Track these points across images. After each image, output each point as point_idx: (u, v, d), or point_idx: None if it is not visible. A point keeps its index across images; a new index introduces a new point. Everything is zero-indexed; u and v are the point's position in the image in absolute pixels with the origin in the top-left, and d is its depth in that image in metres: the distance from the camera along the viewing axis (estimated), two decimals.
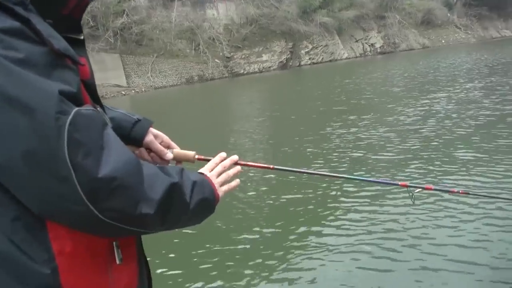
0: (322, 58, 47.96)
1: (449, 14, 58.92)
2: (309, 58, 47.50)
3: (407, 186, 2.03)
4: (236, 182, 1.47)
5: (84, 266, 1.06)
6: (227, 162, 1.48)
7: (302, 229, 5.22)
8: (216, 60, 43.25)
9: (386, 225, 4.93)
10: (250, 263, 4.54)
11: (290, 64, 46.36)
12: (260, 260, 4.57)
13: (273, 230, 5.34)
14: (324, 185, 6.38)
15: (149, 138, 1.52)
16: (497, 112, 10.32)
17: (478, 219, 4.75)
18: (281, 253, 4.67)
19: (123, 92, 36.93)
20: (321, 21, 47.62)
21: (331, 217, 5.44)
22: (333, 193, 6.21)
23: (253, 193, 6.70)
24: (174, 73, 41.52)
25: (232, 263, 4.61)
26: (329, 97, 18.01)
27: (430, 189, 2.20)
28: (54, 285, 1.01)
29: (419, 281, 3.78)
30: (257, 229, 5.38)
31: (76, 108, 0.98)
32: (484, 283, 3.63)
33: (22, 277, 1.00)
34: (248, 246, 4.98)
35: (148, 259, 1.35)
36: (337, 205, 5.81)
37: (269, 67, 44.92)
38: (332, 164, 7.77)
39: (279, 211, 5.93)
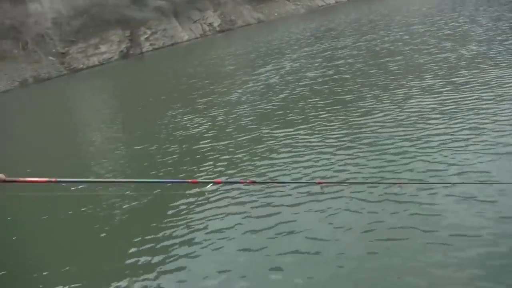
0: (163, 43, 47.27)
1: None
2: (150, 44, 46.50)
3: (197, 182, 2.09)
4: None
5: None
6: None
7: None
8: (50, 58, 40.28)
9: (176, 221, 4.83)
10: None
11: (132, 52, 44.95)
12: None
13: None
14: (113, 192, 5.96)
15: None
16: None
17: (263, 205, 4.83)
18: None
19: None
20: (155, 5, 46.81)
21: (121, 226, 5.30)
22: (123, 200, 5.84)
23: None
24: (3, 77, 37.77)
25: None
26: (168, 86, 17.85)
27: (219, 182, 2.27)
28: None
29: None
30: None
31: None
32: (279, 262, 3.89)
33: None
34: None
35: None
36: (129, 212, 5.56)
37: (110, 58, 43.13)
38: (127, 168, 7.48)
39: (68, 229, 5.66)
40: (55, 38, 41.04)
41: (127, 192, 5.82)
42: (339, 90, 9.50)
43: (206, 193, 1.70)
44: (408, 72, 9.61)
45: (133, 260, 4.40)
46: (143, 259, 4.38)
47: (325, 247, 3.95)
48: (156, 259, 4.33)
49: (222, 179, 1.97)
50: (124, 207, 5.65)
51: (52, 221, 5.91)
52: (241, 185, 4.90)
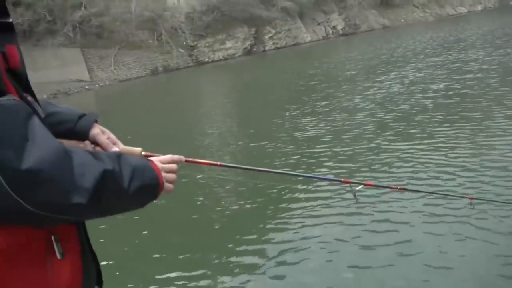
0: (286, 43, 48.17)
1: None
2: (273, 43, 47.64)
3: (349, 183, 2.12)
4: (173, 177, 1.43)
5: (19, 263, 1.02)
6: (176, 157, 1.47)
7: (244, 226, 5.35)
8: (180, 50, 42.93)
9: (330, 223, 4.96)
10: (207, 263, 4.59)
11: (255, 50, 46.40)
12: (216, 261, 4.62)
13: (218, 228, 5.44)
14: (265, 182, 6.06)
15: (95, 131, 1.49)
16: (443, 100, 10.33)
17: (415, 213, 4.80)
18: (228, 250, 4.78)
19: (87, 87, 36.35)
20: (282, 5, 47.77)
21: (275, 215, 5.51)
22: (275, 190, 6.11)
23: (200, 191, 6.69)
24: (138, 65, 41.03)
25: (188, 261, 4.70)
26: (287, 86, 18.27)
27: (370, 185, 2.30)
28: None
29: (363, 279, 3.84)
30: (205, 228, 5.49)
31: None
32: (430, 275, 3.73)
33: None
34: (202, 245, 5.05)
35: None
36: (281, 203, 5.81)
37: (234, 54, 44.88)
38: (276, 160, 7.70)
39: (222, 209, 5.96)
40: (187, 32, 43.67)
41: (272, 183, 6.05)
42: (465, 106, 9.16)
43: (349, 194, 1.77)
44: None
45: (236, 257, 4.57)
46: (248, 258, 4.51)
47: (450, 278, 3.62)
48: (260, 259, 4.44)
49: (374, 182, 2.03)
50: (270, 196, 5.97)
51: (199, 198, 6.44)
52: (390, 191, 4.92)
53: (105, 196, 1.08)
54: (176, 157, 1.47)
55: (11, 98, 0.99)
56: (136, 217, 5.70)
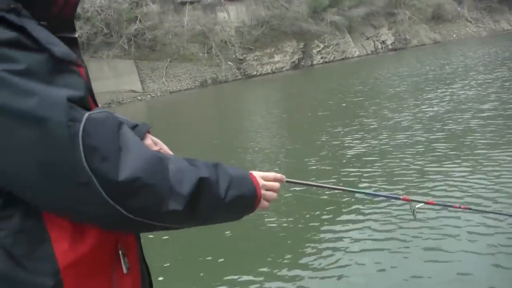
0: (334, 57, 48.15)
1: (459, 8, 58.63)
2: (321, 57, 47.73)
3: (409, 200, 2.02)
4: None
5: (88, 277, 1.02)
6: (279, 176, 1.47)
7: (299, 241, 5.41)
8: (229, 63, 43.78)
9: (388, 241, 5.03)
10: (259, 271, 4.75)
11: (303, 64, 46.63)
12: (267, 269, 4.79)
13: (272, 241, 5.59)
14: (324, 197, 6.09)
15: (147, 142, 1.48)
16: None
17: (480, 234, 4.75)
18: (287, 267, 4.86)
19: (139, 97, 37.71)
20: (331, 20, 47.86)
21: (332, 231, 5.57)
22: (333, 206, 6.20)
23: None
24: (188, 77, 42.14)
25: (236, 273, 4.81)
26: (338, 99, 18.33)
27: (432, 203, 2.20)
28: None
29: None
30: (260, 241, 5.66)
31: (87, 113, 0.97)
32: None
33: None
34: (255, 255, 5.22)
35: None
36: (338, 218, 5.91)
37: (282, 67, 45.27)
38: (333, 176, 7.77)
39: (276, 223, 6.07)
40: (236, 45, 44.53)
41: (332, 198, 6.07)
42: None
43: (414, 212, 1.77)
44: None
45: (288, 270, 4.69)
46: (298, 272, 4.63)
47: None
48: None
49: (435, 200, 2.01)
50: (325, 211, 6.11)
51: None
52: (452, 210, 4.87)
53: (201, 203, 1.11)
54: (279, 176, 1.46)
55: (102, 111, 1.01)
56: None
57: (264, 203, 1.35)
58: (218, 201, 1.15)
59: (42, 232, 0.97)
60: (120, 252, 1.09)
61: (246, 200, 1.26)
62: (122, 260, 1.09)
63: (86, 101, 1.01)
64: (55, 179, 0.93)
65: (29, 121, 0.90)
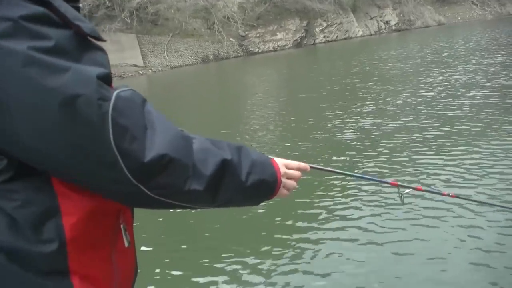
0: (337, 36, 47.83)
1: None
2: (324, 36, 47.41)
3: (397, 185, 2.00)
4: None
5: (91, 250, 1.03)
6: (303, 165, 1.46)
7: (294, 223, 5.40)
8: (231, 39, 43.47)
9: (372, 224, 5.04)
10: (255, 260, 4.66)
11: (305, 42, 46.33)
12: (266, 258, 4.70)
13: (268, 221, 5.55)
14: (309, 176, 6.04)
15: None
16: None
17: (466, 222, 4.77)
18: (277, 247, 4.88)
19: (140, 72, 37.58)
20: None
21: (318, 212, 5.60)
22: (322, 187, 6.22)
23: None
24: (189, 53, 41.89)
25: (232, 260, 4.74)
26: (339, 80, 18.25)
27: (420, 190, 2.18)
28: (62, 269, 0.98)
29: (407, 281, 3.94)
30: (257, 224, 5.57)
31: (116, 91, 0.96)
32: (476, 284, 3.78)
33: (30, 262, 0.95)
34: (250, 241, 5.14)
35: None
36: (327, 199, 5.90)
37: (284, 45, 44.98)
38: (318, 158, 7.72)
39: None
40: (238, 22, 44.14)
41: (318, 178, 6.20)
42: None
43: (401, 197, 1.78)
44: None
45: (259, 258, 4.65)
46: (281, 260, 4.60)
47: None
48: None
49: (424, 187, 2.02)
50: (313, 193, 6.10)
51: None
52: (441, 197, 4.79)
53: (222, 185, 1.10)
54: (303, 165, 1.46)
55: (127, 88, 1.00)
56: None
57: (283, 191, 1.35)
58: (239, 184, 1.15)
59: (53, 205, 0.97)
60: (121, 226, 1.10)
61: (266, 186, 1.26)
62: (123, 234, 1.10)
63: (111, 77, 0.99)
64: (81, 156, 0.92)
65: (59, 100, 0.88)
